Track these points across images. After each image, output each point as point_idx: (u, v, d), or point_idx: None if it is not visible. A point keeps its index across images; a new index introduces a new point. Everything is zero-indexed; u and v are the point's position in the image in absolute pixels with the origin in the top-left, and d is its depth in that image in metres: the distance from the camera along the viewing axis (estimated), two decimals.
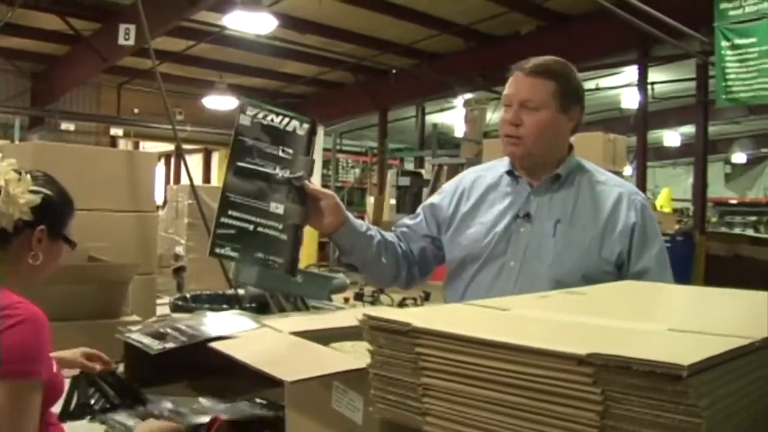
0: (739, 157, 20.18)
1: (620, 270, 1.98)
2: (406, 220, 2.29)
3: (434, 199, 2.28)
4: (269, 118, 1.75)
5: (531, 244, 2.01)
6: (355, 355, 1.34)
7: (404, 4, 9.80)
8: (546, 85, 2.00)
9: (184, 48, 11.18)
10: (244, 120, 1.73)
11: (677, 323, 0.99)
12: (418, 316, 0.97)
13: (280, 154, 1.75)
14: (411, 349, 0.94)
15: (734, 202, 20.44)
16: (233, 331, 1.83)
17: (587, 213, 2.03)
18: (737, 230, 17.93)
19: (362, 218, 12.30)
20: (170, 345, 2.03)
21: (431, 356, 0.92)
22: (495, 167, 2.23)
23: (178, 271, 8.67)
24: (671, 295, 1.50)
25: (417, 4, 9.74)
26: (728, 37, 7.86)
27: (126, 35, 8.44)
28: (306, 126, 1.77)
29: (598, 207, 2.03)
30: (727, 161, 20.82)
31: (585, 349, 0.79)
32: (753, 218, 19.46)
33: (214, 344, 1.41)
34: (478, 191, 2.18)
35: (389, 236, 2.17)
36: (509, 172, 2.14)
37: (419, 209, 2.31)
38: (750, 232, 17.37)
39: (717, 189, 19.17)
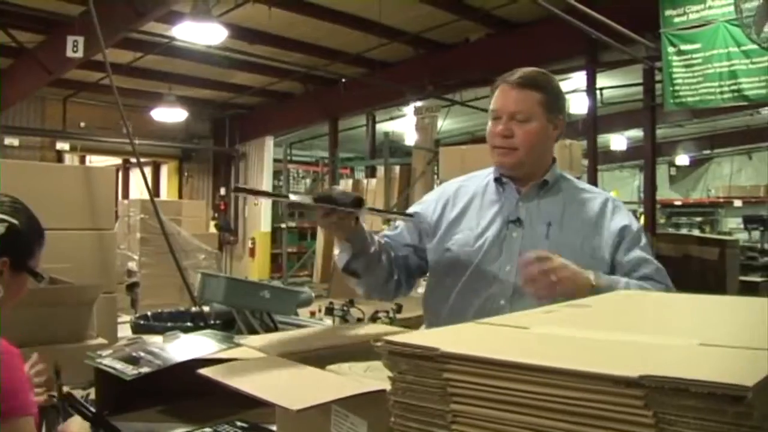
0: (682, 160, 20.62)
1: (613, 271, 2.02)
2: (387, 232, 2.28)
3: (415, 208, 2.29)
4: None
5: (525, 247, 2.02)
6: (354, 377, 1.28)
7: (354, 12, 9.77)
8: (533, 96, 2.07)
9: (131, 60, 10.99)
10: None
11: (702, 336, 0.96)
12: (441, 340, 0.92)
13: None
14: (438, 375, 0.88)
15: (679, 203, 20.88)
16: (210, 353, 1.76)
17: (576, 217, 2.08)
18: (684, 231, 18.32)
19: (315, 228, 12.21)
20: (145, 370, 1.94)
21: (461, 382, 0.87)
22: (475, 177, 2.27)
23: (132, 288, 8.53)
24: (670, 305, 1.47)
25: (366, 12, 9.71)
26: (674, 43, 8.02)
27: (74, 47, 8.25)
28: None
29: (586, 211, 2.09)
30: (672, 164, 21.26)
31: (632, 370, 0.75)
32: (699, 219, 19.93)
33: (202, 371, 1.33)
34: (464, 199, 2.20)
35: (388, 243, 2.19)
36: (497, 180, 2.18)
37: (399, 222, 2.31)
38: (696, 232, 17.76)
39: (663, 191, 19.54)
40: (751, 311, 1.25)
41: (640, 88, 10.46)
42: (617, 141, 17.77)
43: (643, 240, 2.08)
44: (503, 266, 2.06)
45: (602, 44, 8.64)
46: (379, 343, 0.94)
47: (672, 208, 20.54)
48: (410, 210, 2.30)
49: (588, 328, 1.06)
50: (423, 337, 0.94)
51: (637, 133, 14.77)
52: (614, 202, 2.13)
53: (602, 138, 14.63)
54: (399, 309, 5.26)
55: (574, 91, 12.60)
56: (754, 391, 0.68)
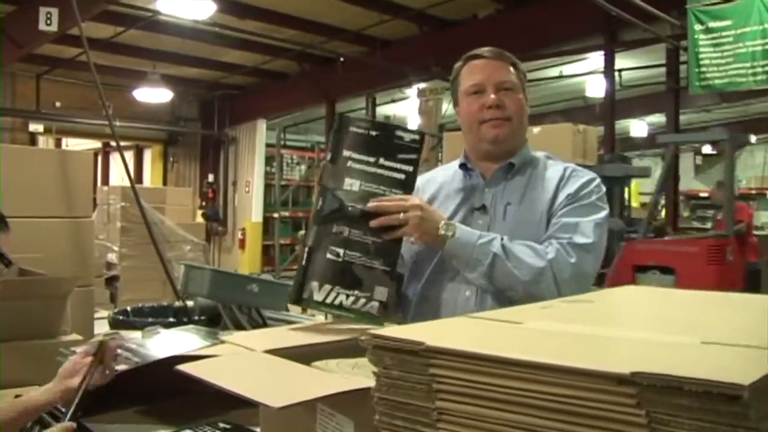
0: (709, 148, 20.55)
1: None
2: None
3: None
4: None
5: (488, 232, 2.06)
6: (341, 375, 1.31)
7: None
8: (511, 69, 2.17)
9: (111, 34, 10.94)
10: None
11: (706, 334, 0.98)
12: (427, 334, 0.94)
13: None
14: (424, 370, 0.91)
15: (705, 195, 20.83)
16: (192, 350, 1.78)
17: (536, 193, 2.12)
18: (710, 225, 18.28)
19: (308, 218, 12.30)
20: (122, 367, 1.97)
21: (447, 378, 0.89)
22: (446, 168, 2.34)
23: (111, 281, 8.56)
24: (679, 301, 1.49)
25: None
26: (702, 20, 7.99)
27: (48, 20, 8.23)
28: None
29: (546, 185, 2.12)
30: (698, 152, 21.20)
31: (625, 367, 0.77)
32: None
33: (181, 367, 1.36)
34: (431, 190, 2.25)
35: None
36: (462, 166, 2.22)
37: None
38: None
39: (687, 181, 19.49)
40: (762, 309, 1.27)
41: (663, 70, 10.46)
42: (637, 127, 17.75)
43: (584, 201, 2.07)
44: None
45: (622, 21, 8.62)
46: (363, 338, 0.97)
47: (697, 200, 20.48)
48: None
49: (585, 324, 1.08)
50: (409, 331, 0.97)
51: (659, 118, 14.73)
52: (574, 170, 2.16)
53: (621, 124, 14.63)
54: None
55: (591, 73, 12.60)
56: (750, 390, 0.71)
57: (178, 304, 3.73)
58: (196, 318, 3.37)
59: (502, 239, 1.96)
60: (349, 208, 1.79)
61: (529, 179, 2.15)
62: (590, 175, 2.17)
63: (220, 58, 13.09)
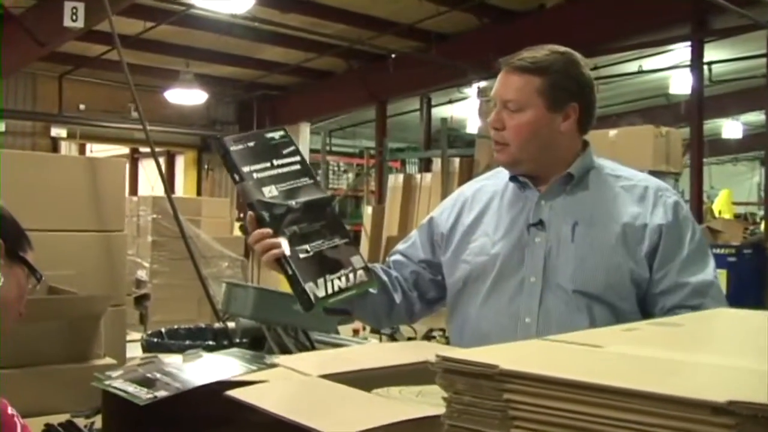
0: None
1: (650, 285, 2.04)
2: (399, 246, 2.40)
3: (433, 213, 2.39)
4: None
5: (550, 253, 2.08)
6: (405, 402, 1.35)
7: None
8: (531, 82, 2.11)
9: (141, 30, 11.07)
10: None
11: None
12: (502, 357, 0.98)
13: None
14: (498, 395, 0.94)
15: None
16: (239, 375, 1.82)
17: (608, 212, 2.10)
18: None
19: (358, 233, 12.17)
20: (162, 393, 2.02)
21: (523, 404, 0.92)
22: (499, 174, 2.32)
23: (141, 300, 8.66)
24: None
25: None
26: None
27: (73, 15, 8.39)
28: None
29: (619, 203, 2.11)
30: None
31: (720, 395, 0.80)
32: None
33: (231, 392, 1.40)
34: (481, 202, 2.26)
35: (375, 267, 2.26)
36: (513, 178, 2.22)
37: (414, 230, 2.40)
38: None
39: None
40: None
41: (762, 61, 10.29)
42: (730, 128, 17.51)
43: (686, 247, 2.05)
44: (527, 277, 2.09)
45: (713, 6, 8.49)
46: (433, 360, 1.00)
47: None
48: (428, 216, 2.40)
49: (673, 349, 1.11)
50: (482, 354, 1.00)
51: (756, 117, 14.53)
52: (658, 192, 2.12)
53: (711, 124, 14.44)
54: None
55: (675, 67, 12.47)
56: None
57: (217, 325, 3.79)
58: (238, 341, 3.43)
59: None
60: (285, 209, 1.95)
61: (596, 194, 2.14)
62: (674, 194, 2.16)
63: (259, 55, 13.20)
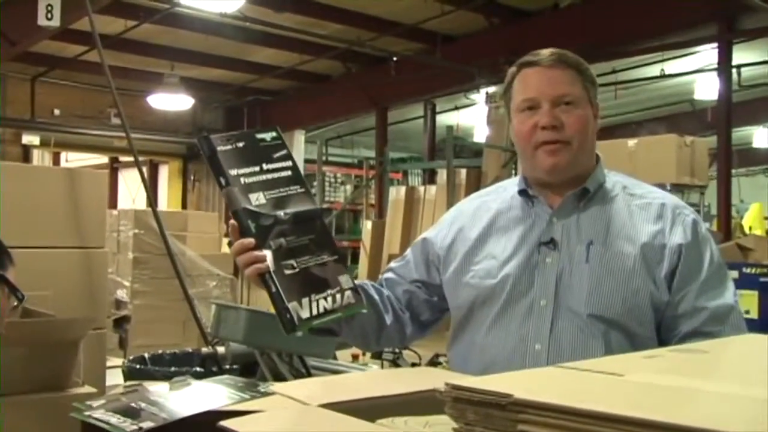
0: None
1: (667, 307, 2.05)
2: (392, 264, 2.40)
3: (428, 233, 2.38)
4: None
5: (563, 275, 2.08)
6: None
7: None
8: (575, 76, 2.12)
9: (122, 29, 11.13)
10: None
11: None
12: (515, 385, 1.00)
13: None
14: (512, 426, 0.96)
15: None
16: (231, 404, 1.84)
17: (625, 231, 2.10)
18: None
19: (357, 250, 12.12)
20: (148, 425, 2.02)
21: None
22: (499, 191, 2.33)
23: (120, 323, 8.64)
24: None
25: None
26: None
27: (48, 13, 8.40)
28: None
29: (636, 221, 2.11)
30: None
31: (742, 427, 0.82)
32: None
33: (224, 423, 1.42)
34: (484, 219, 2.25)
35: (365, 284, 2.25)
36: (522, 192, 2.20)
37: (409, 249, 2.40)
38: None
39: None
40: None
41: None
42: (761, 136, 17.52)
43: (705, 269, 2.06)
44: (537, 301, 2.09)
45: (741, 5, 8.49)
46: (442, 389, 1.02)
47: None
48: (423, 235, 2.39)
49: (697, 378, 1.12)
50: (495, 382, 1.02)
51: None
52: (675, 210, 2.13)
53: (740, 133, 14.45)
54: None
55: (699, 71, 12.47)
56: None
57: (205, 350, 3.81)
58: (228, 367, 3.44)
59: None
60: (273, 220, 1.93)
61: (611, 211, 2.14)
62: (692, 212, 2.17)
63: (250, 57, 13.26)
